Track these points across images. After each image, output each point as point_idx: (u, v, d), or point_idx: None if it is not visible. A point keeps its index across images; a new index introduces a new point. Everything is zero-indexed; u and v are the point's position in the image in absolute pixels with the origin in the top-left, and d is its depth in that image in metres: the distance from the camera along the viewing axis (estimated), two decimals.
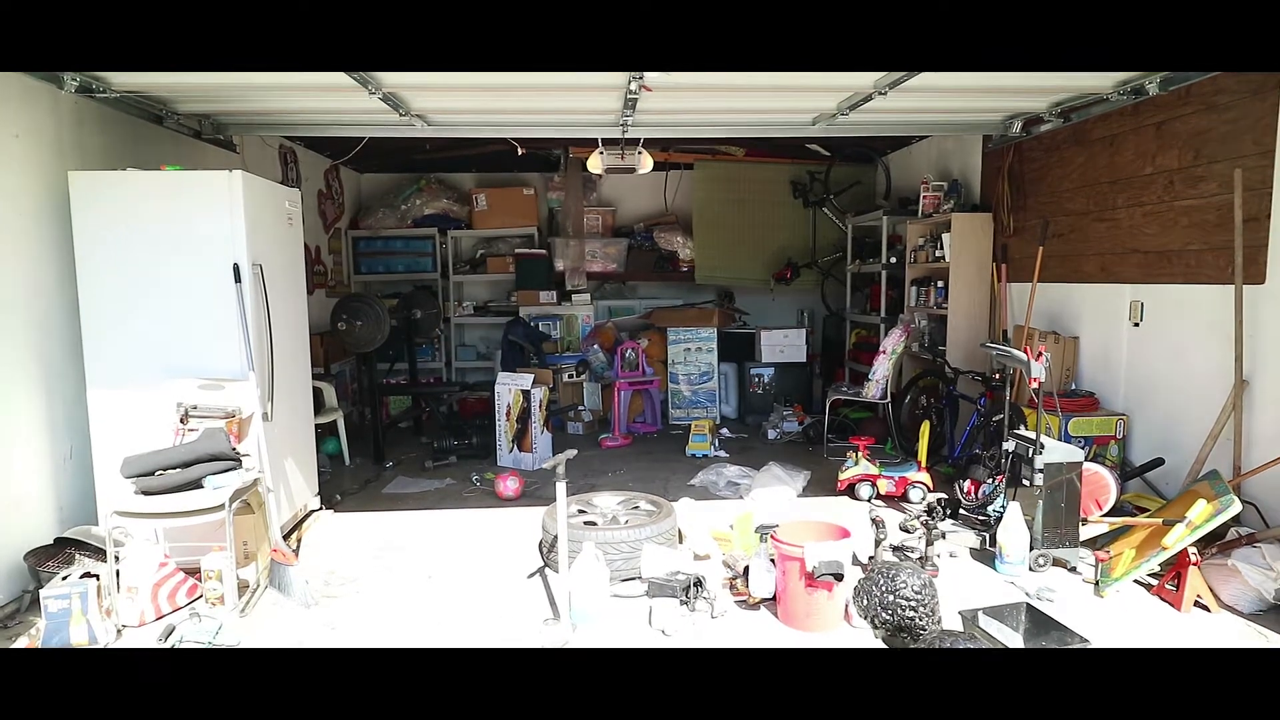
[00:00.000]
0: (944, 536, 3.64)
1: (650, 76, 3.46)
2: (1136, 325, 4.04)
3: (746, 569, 3.13)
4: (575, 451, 3.02)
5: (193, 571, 3.10)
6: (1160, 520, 3.23)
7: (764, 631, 2.86)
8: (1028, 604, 2.78)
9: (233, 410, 3.31)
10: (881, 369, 5.23)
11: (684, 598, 2.93)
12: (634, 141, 4.80)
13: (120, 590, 2.93)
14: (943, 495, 4.34)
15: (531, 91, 3.81)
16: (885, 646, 2.32)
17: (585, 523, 3.44)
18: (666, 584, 2.97)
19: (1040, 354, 3.50)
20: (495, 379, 5.47)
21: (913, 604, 2.59)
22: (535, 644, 2.76)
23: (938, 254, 5.34)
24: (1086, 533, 3.41)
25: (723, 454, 5.46)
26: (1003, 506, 3.49)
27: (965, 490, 4.11)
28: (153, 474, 3.04)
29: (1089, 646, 2.54)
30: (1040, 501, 3.30)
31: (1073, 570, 3.31)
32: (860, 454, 4.46)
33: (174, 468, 3.06)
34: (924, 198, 5.56)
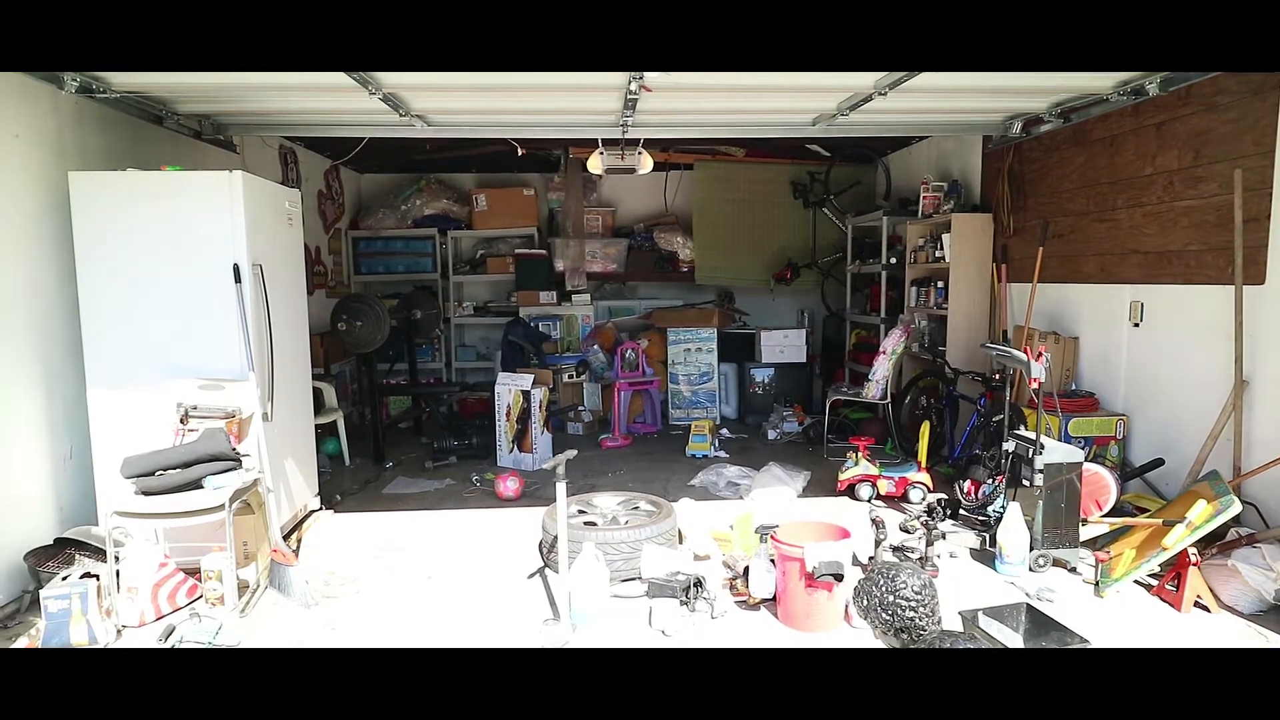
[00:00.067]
0: (944, 537, 3.64)
1: (650, 77, 3.46)
2: (1136, 326, 4.04)
3: (746, 569, 3.13)
4: (575, 452, 3.03)
5: (193, 572, 3.10)
6: (1160, 521, 3.23)
7: (764, 632, 2.86)
8: (1028, 604, 2.78)
9: (233, 410, 3.31)
10: (881, 369, 5.23)
11: (684, 598, 2.93)
12: (634, 142, 4.80)
13: (120, 590, 2.93)
14: (943, 496, 4.33)
15: (531, 92, 3.81)
16: (885, 646, 2.32)
17: (585, 523, 3.44)
18: (666, 584, 2.96)
19: (1040, 354, 3.50)
20: (495, 379, 5.46)
21: (913, 604, 2.60)
22: (535, 644, 2.76)
23: (938, 254, 5.34)
24: (1086, 533, 3.41)
25: (723, 454, 5.46)
26: (1003, 507, 3.49)
27: (965, 491, 4.11)
28: (153, 474, 3.04)
29: (1089, 647, 2.54)
30: (1040, 502, 3.30)
31: (1073, 571, 3.31)
32: (860, 454, 4.46)
33: (174, 468, 3.06)
34: (924, 198, 5.56)
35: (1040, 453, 3.30)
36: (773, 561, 2.99)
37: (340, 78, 3.36)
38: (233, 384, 3.35)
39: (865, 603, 2.71)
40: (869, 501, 4.33)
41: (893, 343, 5.26)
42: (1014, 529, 3.28)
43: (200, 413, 3.30)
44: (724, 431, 6.17)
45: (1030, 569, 3.29)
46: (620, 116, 4.28)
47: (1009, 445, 3.52)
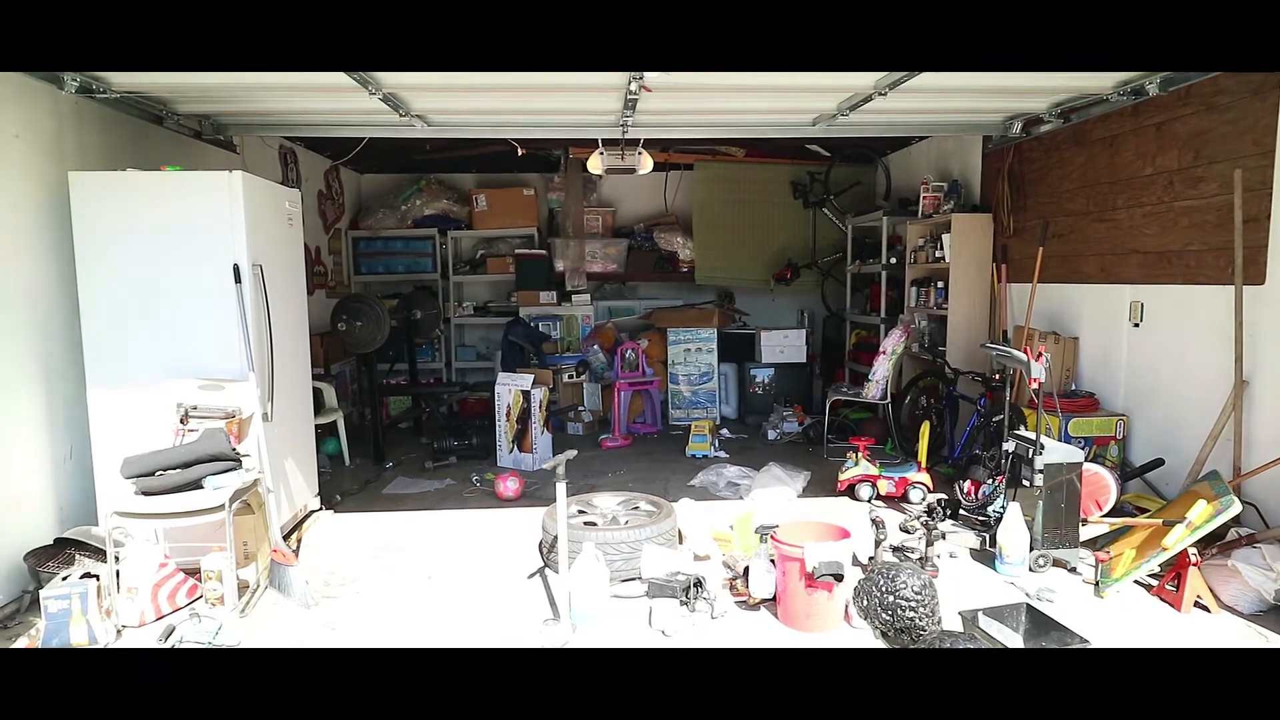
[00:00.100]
0: (944, 537, 3.64)
1: (650, 77, 3.46)
2: (1136, 326, 4.04)
3: (746, 569, 3.13)
4: (575, 452, 3.03)
5: (193, 572, 3.10)
6: (1160, 521, 3.23)
7: (764, 632, 2.86)
8: (1028, 604, 2.78)
9: (233, 411, 3.31)
10: (881, 369, 5.23)
11: (684, 598, 2.93)
12: (634, 142, 4.80)
13: (120, 590, 2.92)
14: (943, 496, 4.33)
15: (531, 92, 3.81)
16: (885, 646, 2.32)
17: (585, 523, 3.44)
18: (666, 584, 2.96)
19: (1040, 354, 3.50)
20: (495, 379, 5.46)
21: (913, 604, 2.60)
22: (535, 644, 2.76)
23: (938, 254, 5.34)
24: (1086, 533, 3.41)
25: (723, 454, 5.46)
26: (1003, 507, 3.49)
27: (965, 491, 4.11)
28: (153, 474, 3.04)
29: (1089, 647, 2.54)
30: (1040, 502, 3.30)
31: (1073, 571, 3.31)
32: (860, 454, 4.46)
33: (174, 468, 3.06)
34: (924, 198, 5.56)
35: (1040, 453, 3.30)
36: (773, 562, 2.99)
37: (340, 78, 3.36)
38: (233, 384, 3.35)
39: (865, 603, 2.71)
40: (869, 501, 4.33)
41: (893, 343, 5.26)
42: (1014, 529, 3.28)
43: (200, 413, 3.30)
44: (724, 431, 6.17)
45: (1030, 569, 3.29)
46: (620, 117, 4.28)
47: (1009, 445, 3.52)
